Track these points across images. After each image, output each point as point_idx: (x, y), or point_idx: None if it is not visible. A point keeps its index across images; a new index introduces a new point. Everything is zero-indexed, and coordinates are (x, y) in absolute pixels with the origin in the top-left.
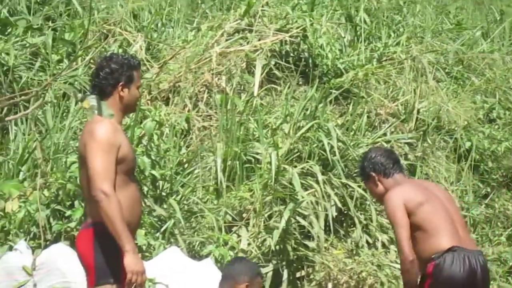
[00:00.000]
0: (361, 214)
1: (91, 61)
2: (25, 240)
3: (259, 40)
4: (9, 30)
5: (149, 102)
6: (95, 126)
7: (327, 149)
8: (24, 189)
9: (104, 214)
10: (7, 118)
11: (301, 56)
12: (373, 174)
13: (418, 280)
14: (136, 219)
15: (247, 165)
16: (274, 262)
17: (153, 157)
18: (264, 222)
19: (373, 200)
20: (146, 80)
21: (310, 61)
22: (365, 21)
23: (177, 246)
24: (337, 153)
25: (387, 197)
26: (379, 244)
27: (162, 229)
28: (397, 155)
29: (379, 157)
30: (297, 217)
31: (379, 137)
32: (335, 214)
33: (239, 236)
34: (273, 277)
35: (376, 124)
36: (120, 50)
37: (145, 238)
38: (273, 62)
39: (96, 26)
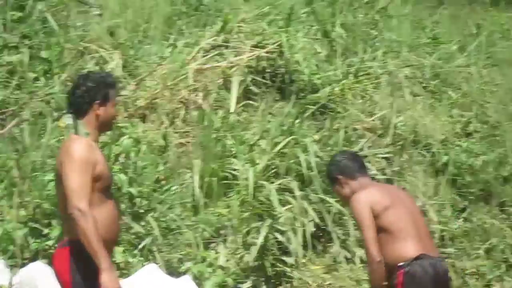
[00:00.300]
0: (339, 229)
1: (68, 79)
2: (3, 259)
3: (236, 56)
4: None
5: (126, 119)
6: (71, 145)
7: (304, 164)
8: (1, 208)
9: (81, 232)
10: None
11: (277, 72)
12: (340, 176)
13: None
14: (113, 236)
15: (224, 181)
16: (253, 278)
17: (130, 175)
18: (242, 238)
19: (351, 215)
20: (123, 97)
21: (287, 76)
22: (341, 36)
23: (155, 263)
24: (314, 168)
25: (353, 199)
26: (357, 259)
27: (140, 246)
28: (362, 158)
29: (345, 160)
30: (275, 233)
31: (356, 152)
32: (313, 229)
33: (217, 252)
34: None
35: (353, 139)
36: (97, 68)
37: (123, 255)
38: (249, 78)
39: (73, 44)
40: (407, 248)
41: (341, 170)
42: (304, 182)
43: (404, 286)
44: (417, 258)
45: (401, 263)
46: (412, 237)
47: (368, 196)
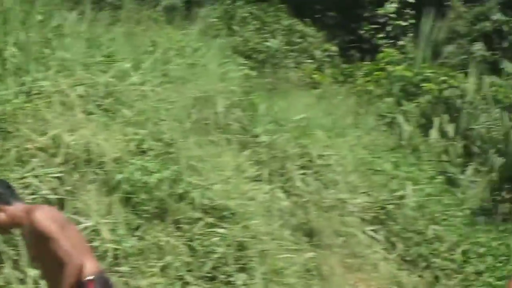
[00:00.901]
0: (10, 249)
1: None
2: None
3: None
4: None
5: None
6: None
7: None
8: None
9: None
10: None
11: None
12: None
13: None
14: None
15: None
16: None
17: None
18: None
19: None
20: None
21: None
22: (14, 55)
23: None
24: None
25: (33, 218)
26: (29, 280)
27: None
28: (13, 185)
29: None
30: None
31: (28, 172)
32: None
33: None
34: None
35: (24, 159)
36: None
37: None
38: None
39: None
40: (91, 262)
41: None
42: None
43: None
44: (101, 272)
45: (90, 277)
46: (90, 252)
47: (45, 211)
